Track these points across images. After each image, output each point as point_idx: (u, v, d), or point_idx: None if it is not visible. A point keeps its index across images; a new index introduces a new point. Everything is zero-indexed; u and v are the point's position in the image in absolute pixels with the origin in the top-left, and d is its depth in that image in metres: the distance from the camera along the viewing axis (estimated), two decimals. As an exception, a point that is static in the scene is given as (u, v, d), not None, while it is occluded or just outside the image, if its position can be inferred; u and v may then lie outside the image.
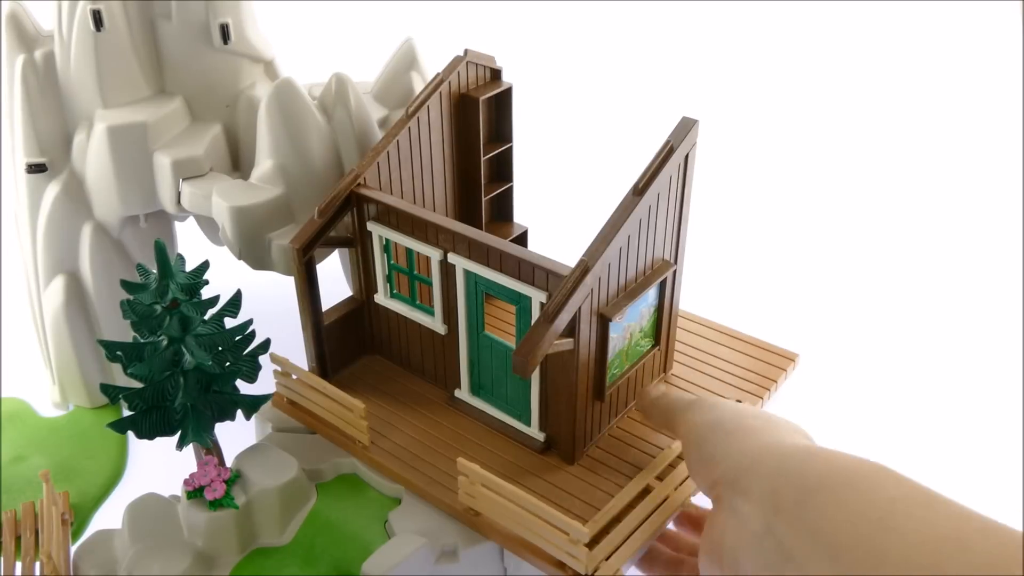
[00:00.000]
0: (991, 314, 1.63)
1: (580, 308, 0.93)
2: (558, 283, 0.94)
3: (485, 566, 1.01)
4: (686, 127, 1.00)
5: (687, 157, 1.02)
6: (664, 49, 2.56)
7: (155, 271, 0.98)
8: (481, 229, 1.26)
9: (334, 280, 1.38)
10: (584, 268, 0.92)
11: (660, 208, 1.01)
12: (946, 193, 1.97)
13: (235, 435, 1.14)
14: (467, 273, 1.05)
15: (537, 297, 0.99)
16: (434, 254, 1.06)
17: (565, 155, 2.09)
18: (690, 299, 1.27)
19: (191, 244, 1.44)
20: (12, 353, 1.51)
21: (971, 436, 1.37)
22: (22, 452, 1.31)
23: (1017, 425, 1.39)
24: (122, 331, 1.32)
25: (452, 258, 1.05)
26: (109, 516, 1.22)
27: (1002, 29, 2.58)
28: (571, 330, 0.95)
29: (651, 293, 1.06)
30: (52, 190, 1.26)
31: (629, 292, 1.02)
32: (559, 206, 1.76)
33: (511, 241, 1.28)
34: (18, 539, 1.14)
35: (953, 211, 1.91)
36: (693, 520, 0.99)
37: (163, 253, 0.96)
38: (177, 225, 1.43)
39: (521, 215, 1.36)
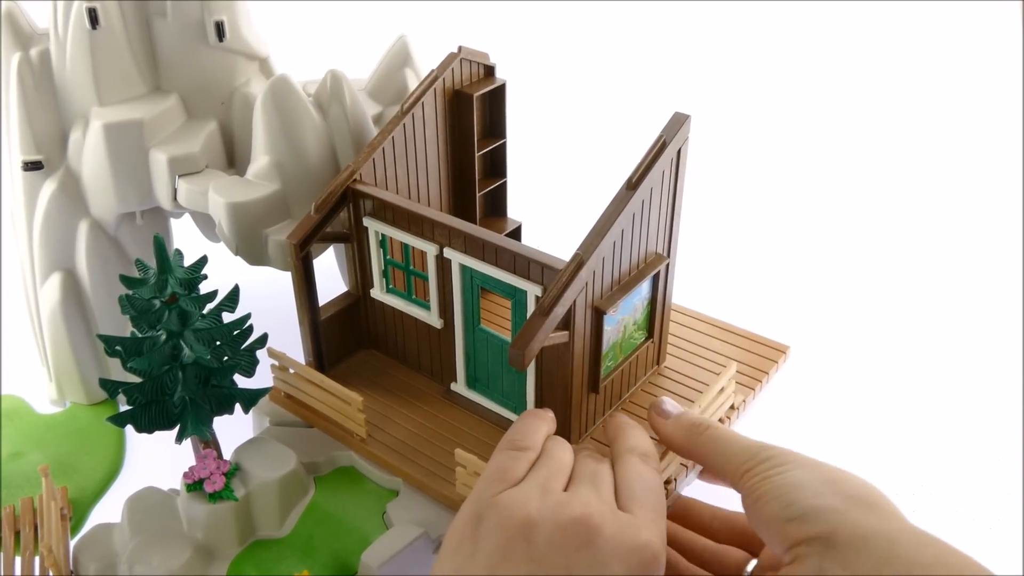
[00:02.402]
0: (982, 307, 1.65)
1: (575, 301, 0.95)
2: (553, 277, 0.95)
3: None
4: (678, 122, 1.01)
5: (679, 152, 1.03)
6: (657, 45, 2.58)
7: (154, 266, 0.99)
8: (475, 225, 1.27)
9: (330, 276, 1.39)
10: (579, 262, 0.94)
11: (653, 202, 1.02)
12: (943, 190, 1.99)
13: (233, 429, 1.15)
14: (463, 267, 1.06)
15: (532, 291, 1.00)
16: (430, 249, 1.07)
17: (559, 151, 2.10)
18: (682, 292, 1.28)
19: (187, 241, 1.44)
20: (9, 350, 1.52)
21: (961, 429, 1.39)
22: (20, 449, 1.31)
23: (1007, 418, 1.40)
24: (119, 328, 1.33)
25: (448, 253, 1.06)
26: (108, 511, 1.23)
27: (1002, 29, 2.59)
28: (566, 323, 0.96)
29: (644, 286, 1.08)
30: (48, 187, 1.27)
31: (623, 285, 1.03)
32: (553, 201, 1.78)
33: (505, 236, 1.29)
34: (17, 534, 1.14)
35: (950, 209, 1.93)
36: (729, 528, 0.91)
37: (162, 248, 0.97)
38: (173, 222, 1.44)
39: (515, 211, 1.37)
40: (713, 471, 0.83)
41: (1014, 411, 1.41)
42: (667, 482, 0.99)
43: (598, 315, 1.00)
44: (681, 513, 0.96)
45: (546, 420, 0.90)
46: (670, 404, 0.92)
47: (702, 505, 0.95)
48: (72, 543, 1.05)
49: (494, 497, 0.70)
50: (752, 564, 0.85)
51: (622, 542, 0.66)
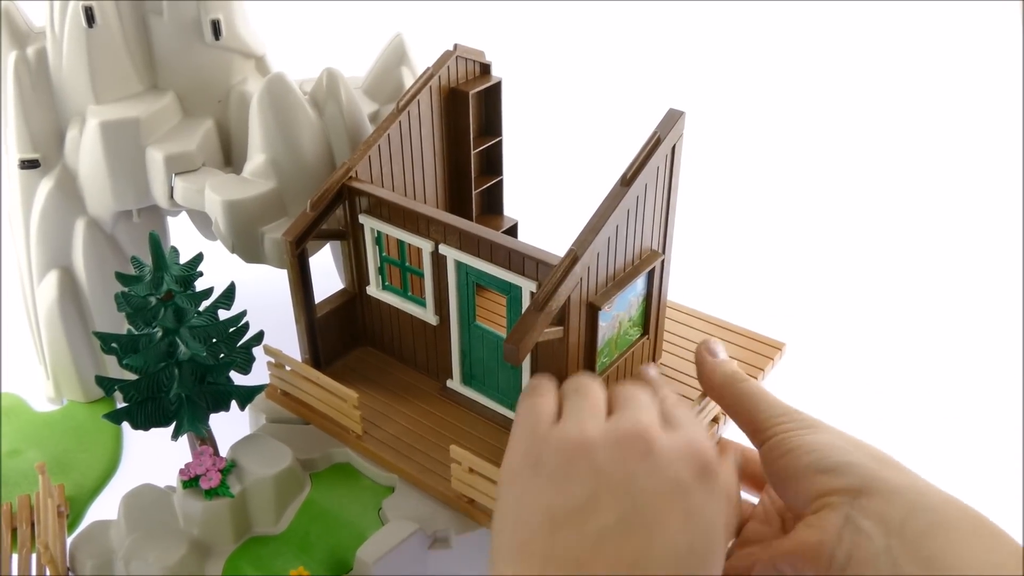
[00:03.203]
0: (980, 305, 1.65)
1: (569, 297, 0.95)
2: (548, 272, 0.96)
3: (478, 552, 1.02)
4: (673, 119, 1.02)
5: (674, 148, 1.03)
6: (652, 42, 2.58)
7: (150, 263, 0.99)
8: (472, 222, 1.27)
9: (325, 274, 1.40)
10: (573, 257, 0.94)
11: (648, 198, 1.03)
12: (941, 189, 1.99)
13: (230, 426, 1.15)
14: (458, 264, 1.06)
15: (527, 287, 1.00)
16: (425, 245, 1.07)
17: (555, 148, 2.10)
18: (679, 289, 1.28)
19: (184, 239, 1.45)
20: (6, 348, 1.52)
21: (958, 426, 1.39)
22: (17, 446, 1.32)
23: (1005, 416, 1.41)
24: (115, 326, 1.33)
25: (443, 249, 1.06)
26: (105, 508, 1.23)
27: (1002, 29, 2.60)
28: (561, 319, 0.96)
29: (639, 282, 1.08)
30: (45, 186, 1.27)
31: (618, 281, 1.04)
32: (549, 199, 1.78)
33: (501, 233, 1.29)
34: (14, 531, 1.15)
35: (948, 207, 1.93)
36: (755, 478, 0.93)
37: (158, 245, 0.98)
38: (170, 220, 1.44)
39: (511, 208, 1.37)
40: (741, 419, 0.85)
41: (1013, 409, 1.42)
42: (715, 420, 1.09)
43: (593, 311, 1.00)
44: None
45: (549, 377, 0.90)
46: (720, 348, 0.94)
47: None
48: (69, 540, 1.06)
49: (544, 433, 0.71)
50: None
51: (678, 448, 0.69)
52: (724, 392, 0.88)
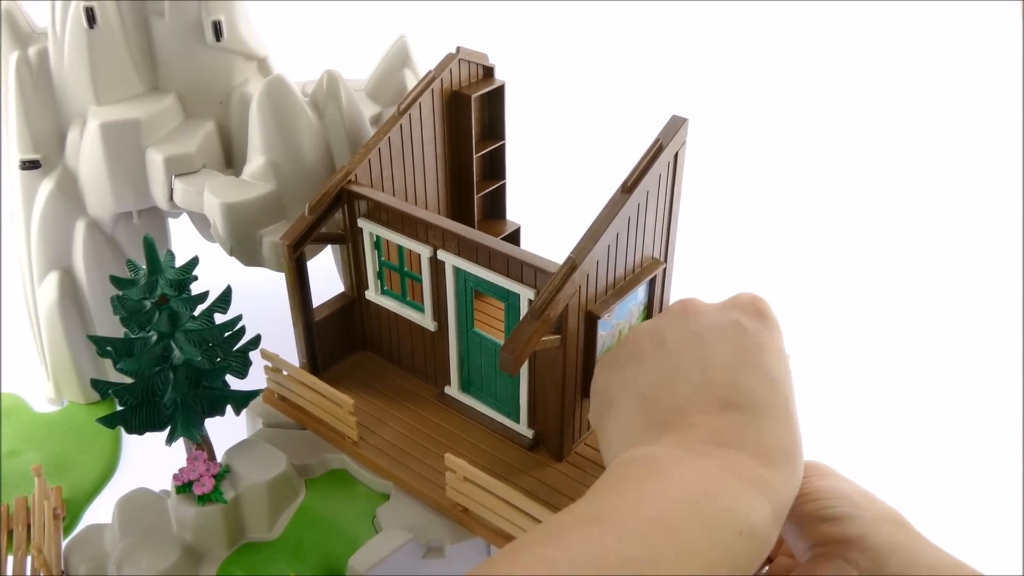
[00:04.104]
0: (980, 310, 1.62)
1: (567, 305, 0.94)
2: (546, 280, 0.94)
3: (472, 562, 1.01)
4: (676, 125, 1.00)
5: (677, 155, 1.01)
6: (661, 46, 2.56)
7: (145, 267, 0.98)
8: (474, 227, 1.26)
9: (328, 276, 1.39)
10: (571, 265, 0.92)
11: (649, 206, 1.01)
12: (942, 192, 1.96)
13: (229, 430, 1.15)
14: (456, 270, 1.05)
15: (525, 294, 0.99)
16: (423, 251, 1.06)
17: (560, 152, 2.09)
18: (679, 296, 1.26)
19: (185, 241, 1.44)
20: (9, 349, 1.52)
21: (958, 431, 1.37)
22: (16, 447, 1.31)
23: (1005, 421, 1.38)
24: (115, 327, 1.32)
25: (442, 255, 1.05)
26: (102, 510, 1.23)
27: (1002, 29, 2.57)
28: (559, 327, 0.95)
29: (640, 291, 1.06)
30: (46, 186, 1.27)
31: (618, 290, 1.02)
32: (553, 204, 1.76)
33: (503, 238, 1.28)
34: (10, 533, 1.14)
35: (948, 210, 1.91)
36: None
37: (152, 249, 0.97)
38: (171, 222, 1.44)
39: (514, 213, 1.36)
40: None
41: (1013, 413, 1.39)
42: None
43: (591, 319, 0.99)
44: None
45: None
46: None
47: None
48: (64, 543, 1.05)
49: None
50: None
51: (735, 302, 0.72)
52: None
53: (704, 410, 0.64)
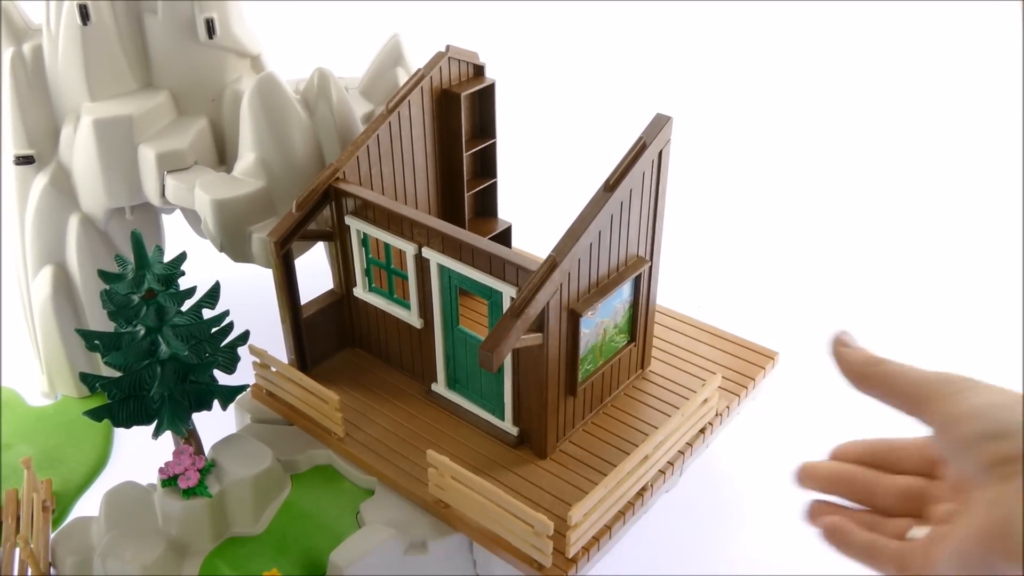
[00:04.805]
0: (976, 311, 1.62)
1: (548, 303, 0.94)
2: (528, 278, 0.95)
3: (454, 558, 1.01)
4: (659, 124, 1.00)
5: (661, 153, 1.02)
6: (651, 44, 2.56)
7: (133, 261, 0.99)
8: (464, 225, 1.26)
9: (318, 273, 1.39)
10: (552, 263, 0.93)
11: (633, 204, 1.01)
12: (940, 192, 1.95)
13: (217, 425, 1.15)
14: (441, 268, 1.06)
15: (508, 292, 0.99)
16: (409, 248, 1.07)
17: (551, 151, 2.08)
18: (671, 296, 1.27)
19: (178, 237, 1.45)
20: (4, 343, 1.53)
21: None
22: (9, 440, 1.33)
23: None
24: (108, 323, 1.33)
25: (426, 252, 1.05)
26: (92, 504, 1.23)
27: (1002, 29, 2.56)
28: (540, 325, 0.95)
29: (625, 289, 1.07)
30: (40, 182, 1.28)
31: (601, 288, 1.02)
32: (544, 202, 1.76)
33: (494, 237, 1.29)
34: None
35: (947, 210, 1.90)
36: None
37: (139, 244, 0.98)
38: (164, 218, 1.44)
39: (506, 211, 1.36)
40: (896, 401, 0.82)
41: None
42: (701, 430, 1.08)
43: (574, 317, 0.99)
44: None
45: None
46: (851, 337, 0.93)
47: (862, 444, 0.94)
48: (52, 535, 1.06)
49: None
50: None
51: None
52: (869, 379, 0.86)
53: None
